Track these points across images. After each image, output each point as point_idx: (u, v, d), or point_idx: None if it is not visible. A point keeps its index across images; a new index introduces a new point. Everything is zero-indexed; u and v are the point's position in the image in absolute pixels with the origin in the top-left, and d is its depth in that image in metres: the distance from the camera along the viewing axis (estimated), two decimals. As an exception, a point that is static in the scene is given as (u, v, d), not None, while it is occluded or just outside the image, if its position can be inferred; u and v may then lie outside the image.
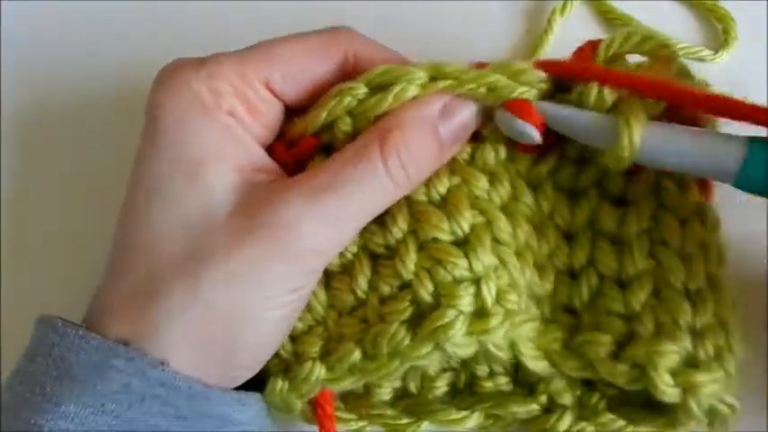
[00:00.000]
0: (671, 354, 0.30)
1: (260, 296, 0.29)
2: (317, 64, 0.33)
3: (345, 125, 0.32)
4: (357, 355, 0.31)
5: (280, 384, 0.32)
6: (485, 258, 0.31)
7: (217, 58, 0.32)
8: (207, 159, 0.30)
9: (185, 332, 0.29)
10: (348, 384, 0.32)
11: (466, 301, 0.30)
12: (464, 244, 0.31)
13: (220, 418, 0.30)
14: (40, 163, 0.43)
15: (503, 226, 0.32)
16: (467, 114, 0.32)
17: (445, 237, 0.31)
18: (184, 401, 0.29)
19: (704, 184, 0.35)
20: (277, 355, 0.33)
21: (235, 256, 0.29)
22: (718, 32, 0.44)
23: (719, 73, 0.43)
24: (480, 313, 0.31)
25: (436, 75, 0.32)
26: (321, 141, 0.33)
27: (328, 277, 0.33)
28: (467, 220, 0.32)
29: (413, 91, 0.31)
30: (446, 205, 0.32)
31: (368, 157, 0.30)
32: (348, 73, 0.33)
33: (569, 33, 0.43)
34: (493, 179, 0.34)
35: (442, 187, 0.33)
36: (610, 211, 0.34)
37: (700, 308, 0.31)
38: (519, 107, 0.31)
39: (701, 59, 0.43)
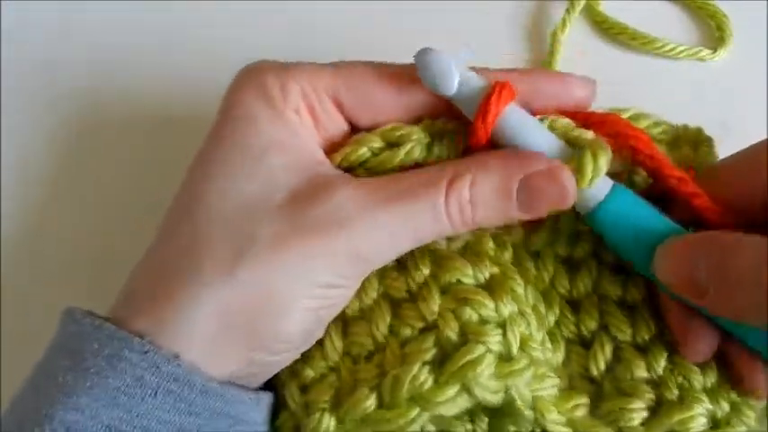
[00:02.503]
0: (698, 417, 0.30)
1: (297, 286, 0.29)
2: (387, 93, 0.33)
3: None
4: (371, 402, 0.30)
5: None
6: (509, 304, 0.31)
7: (297, 64, 0.33)
8: (271, 147, 0.31)
9: (212, 310, 0.28)
10: None
11: (494, 340, 0.30)
12: (488, 288, 0.31)
13: (234, 417, 0.29)
14: (37, 162, 0.43)
15: (518, 279, 0.32)
16: (557, 190, 0.30)
17: (469, 280, 0.31)
18: (198, 397, 0.28)
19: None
20: (287, 408, 0.32)
21: (284, 245, 0.29)
22: (714, 31, 0.44)
23: (719, 73, 0.43)
24: (505, 358, 0.30)
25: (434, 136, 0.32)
26: None
27: (346, 324, 0.33)
28: (488, 268, 0.32)
29: (419, 151, 0.32)
30: (467, 254, 0.32)
31: (435, 187, 0.30)
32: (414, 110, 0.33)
33: (569, 46, 0.44)
34: (497, 242, 0.34)
35: (460, 241, 0.33)
36: (611, 280, 0.34)
37: (707, 367, 0.32)
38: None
39: (701, 59, 0.43)
